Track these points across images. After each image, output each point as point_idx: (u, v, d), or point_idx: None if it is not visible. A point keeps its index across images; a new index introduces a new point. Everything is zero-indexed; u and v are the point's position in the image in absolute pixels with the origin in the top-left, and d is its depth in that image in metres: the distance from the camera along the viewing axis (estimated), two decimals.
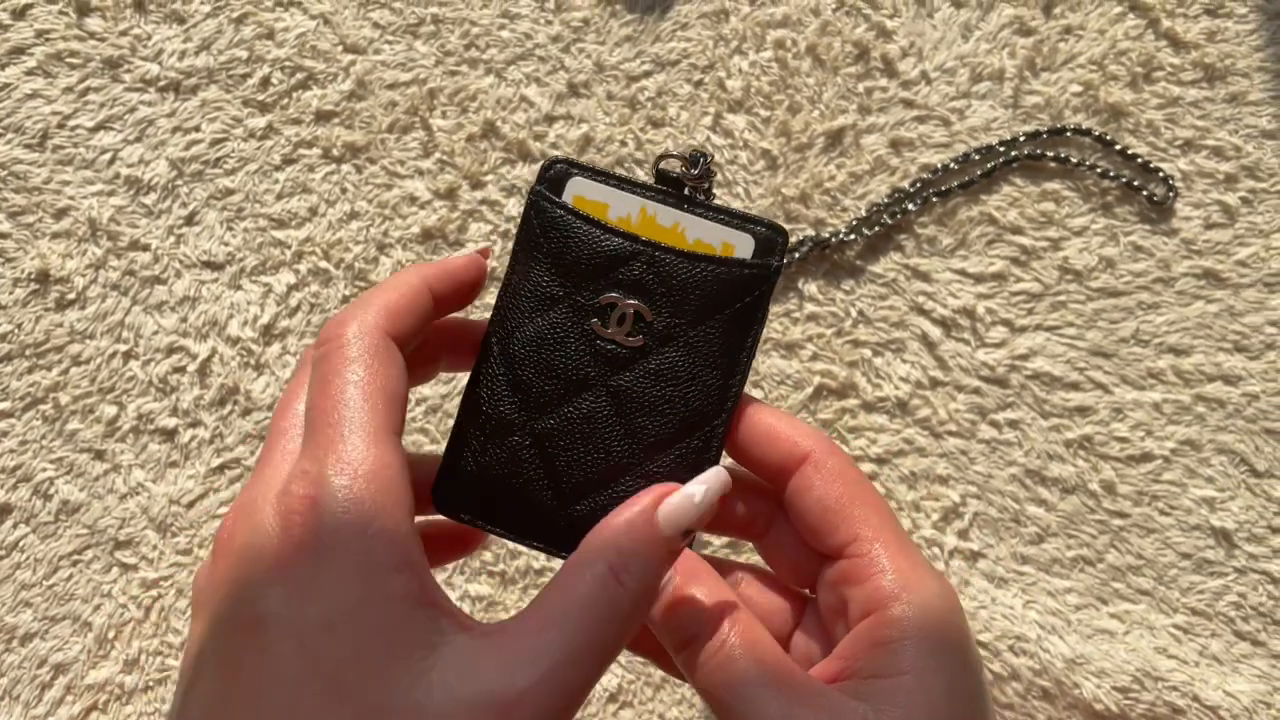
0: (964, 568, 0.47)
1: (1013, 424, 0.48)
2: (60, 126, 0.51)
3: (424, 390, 0.49)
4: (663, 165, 0.33)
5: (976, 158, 0.50)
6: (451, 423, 0.33)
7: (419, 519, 0.32)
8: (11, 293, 0.49)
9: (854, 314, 0.49)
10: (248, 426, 0.48)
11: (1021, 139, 0.50)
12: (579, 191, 0.33)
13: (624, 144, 0.51)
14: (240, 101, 0.51)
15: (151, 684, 0.46)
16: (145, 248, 0.50)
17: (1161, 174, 0.50)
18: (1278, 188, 0.50)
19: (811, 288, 0.49)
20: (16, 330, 0.49)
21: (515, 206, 0.50)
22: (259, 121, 0.51)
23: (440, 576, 0.47)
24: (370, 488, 0.27)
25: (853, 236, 0.49)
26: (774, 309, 0.49)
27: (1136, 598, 0.47)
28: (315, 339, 0.31)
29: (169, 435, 0.48)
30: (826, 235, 0.49)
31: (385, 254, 0.50)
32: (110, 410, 0.48)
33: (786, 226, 0.49)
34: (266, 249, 0.50)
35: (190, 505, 0.48)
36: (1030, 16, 0.51)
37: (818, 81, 0.51)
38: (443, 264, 0.33)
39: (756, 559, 0.36)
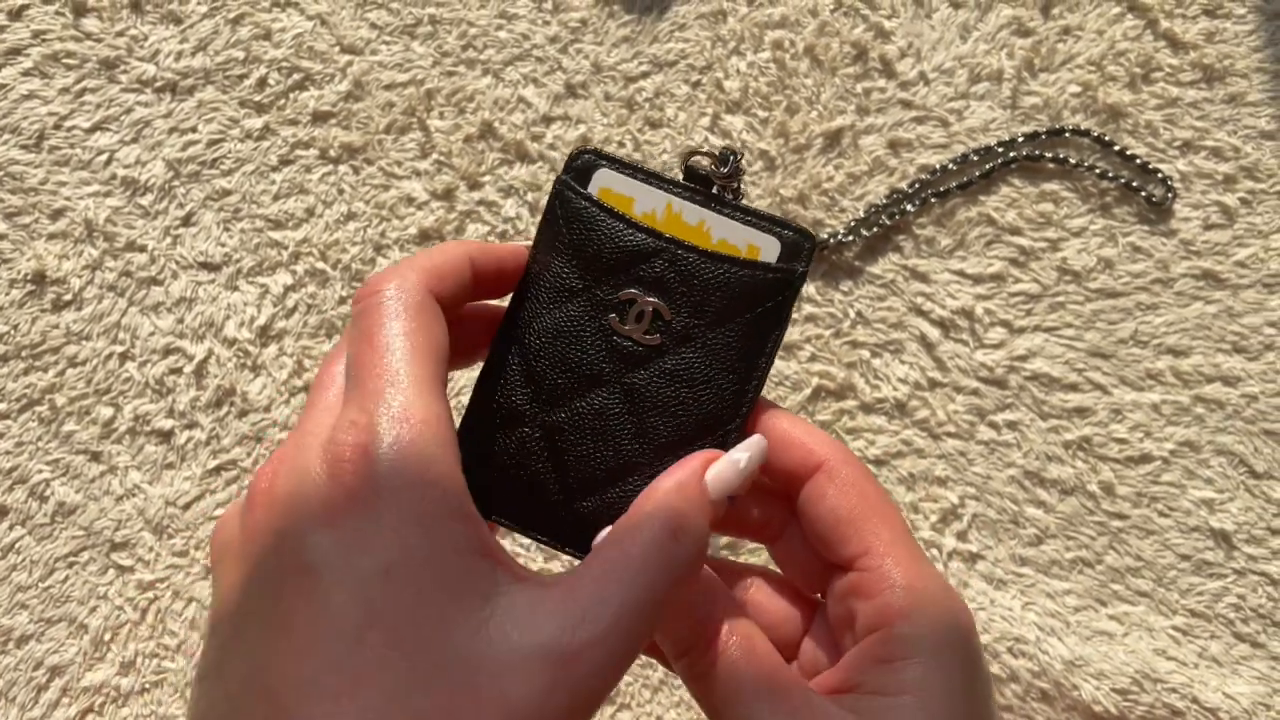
0: (963, 569, 0.47)
1: (1011, 425, 0.48)
2: (57, 127, 0.51)
3: None
4: (692, 162, 0.32)
5: (975, 158, 0.50)
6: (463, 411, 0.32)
7: None
8: (8, 294, 0.49)
9: (852, 315, 0.49)
10: (244, 428, 0.48)
11: (1020, 140, 0.50)
12: (605, 184, 0.32)
13: (622, 145, 0.51)
14: (237, 102, 0.51)
15: (148, 686, 0.46)
16: (142, 249, 0.50)
17: (1160, 175, 0.50)
18: (1276, 188, 0.50)
19: (810, 289, 0.49)
20: (12, 331, 0.49)
21: (513, 207, 0.50)
22: (256, 122, 0.51)
23: None
24: (423, 436, 0.26)
25: (851, 237, 0.49)
26: None
27: (1135, 599, 0.47)
28: (354, 294, 0.30)
29: (165, 437, 0.48)
30: (825, 236, 0.49)
31: (382, 255, 0.50)
32: (106, 412, 0.48)
33: None
34: (263, 250, 0.50)
35: (186, 507, 0.48)
36: (1028, 17, 0.51)
37: (816, 82, 0.51)
38: (486, 244, 0.32)
39: (768, 561, 0.36)
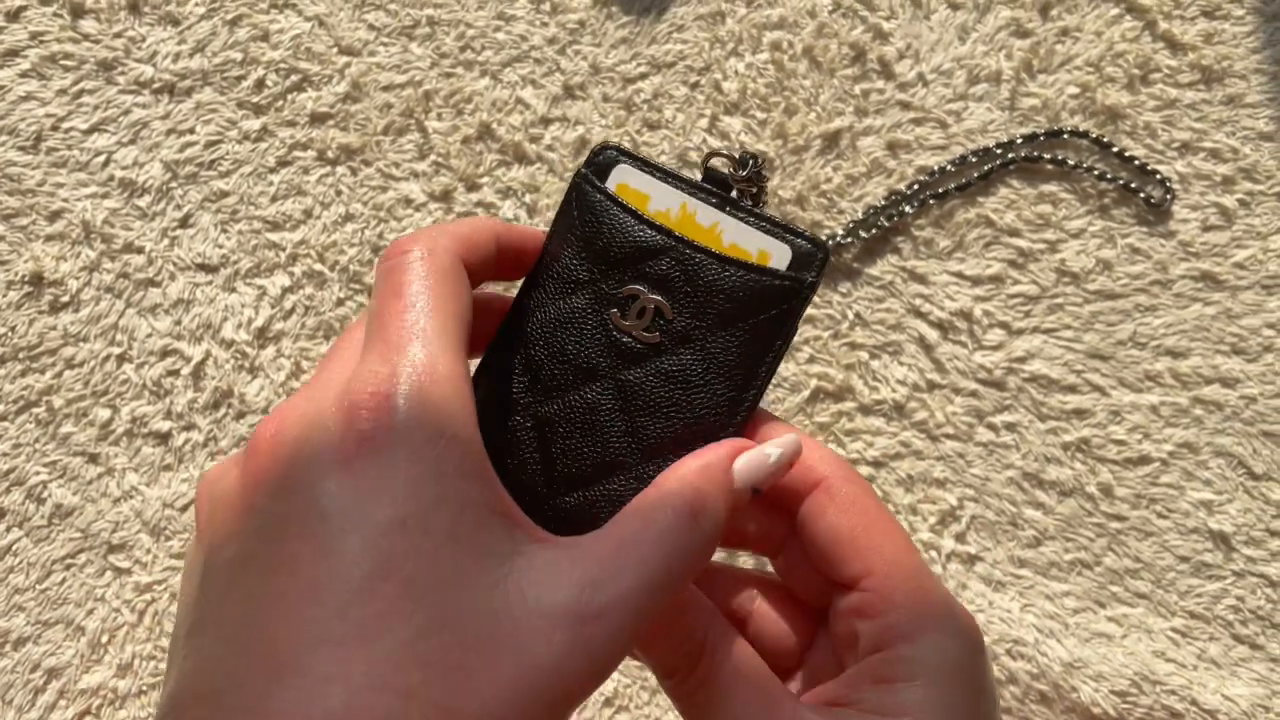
0: (961, 571, 0.47)
1: (1010, 427, 0.48)
2: (54, 129, 0.50)
3: None
4: (712, 163, 0.32)
5: (973, 160, 0.50)
6: None
7: None
8: (5, 295, 0.49)
9: (851, 316, 0.49)
10: (242, 430, 0.48)
11: (1018, 141, 0.50)
12: (624, 179, 0.32)
13: None
14: (235, 104, 0.51)
15: (145, 689, 0.46)
16: (139, 250, 0.50)
17: (1159, 176, 0.50)
18: (1275, 190, 0.50)
19: None
20: (10, 333, 0.49)
21: (511, 209, 0.50)
22: (253, 124, 0.51)
23: None
24: (446, 392, 0.26)
25: (850, 239, 0.49)
26: None
27: (1134, 601, 0.47)
28: (381, 255, 0.30)
29: (163, 439, 0.48)
30: (823, 238, 0.49)
31: (380, 256, 0.50)
32: (104, 413, 0.48)
33: None
34: (261, 251, 0.50)
35: (184, 509, 0.48)
36: (1027, 18, 0.51)
37: (814, 83, 0.51)
38: (511, 224, 0.32)
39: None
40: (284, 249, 0.50)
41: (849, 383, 0.48)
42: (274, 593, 0.24)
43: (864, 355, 0.49)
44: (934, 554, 0.47)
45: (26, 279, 0.49)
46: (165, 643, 0.47)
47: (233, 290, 0.49)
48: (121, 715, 0.46)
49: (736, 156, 0.31)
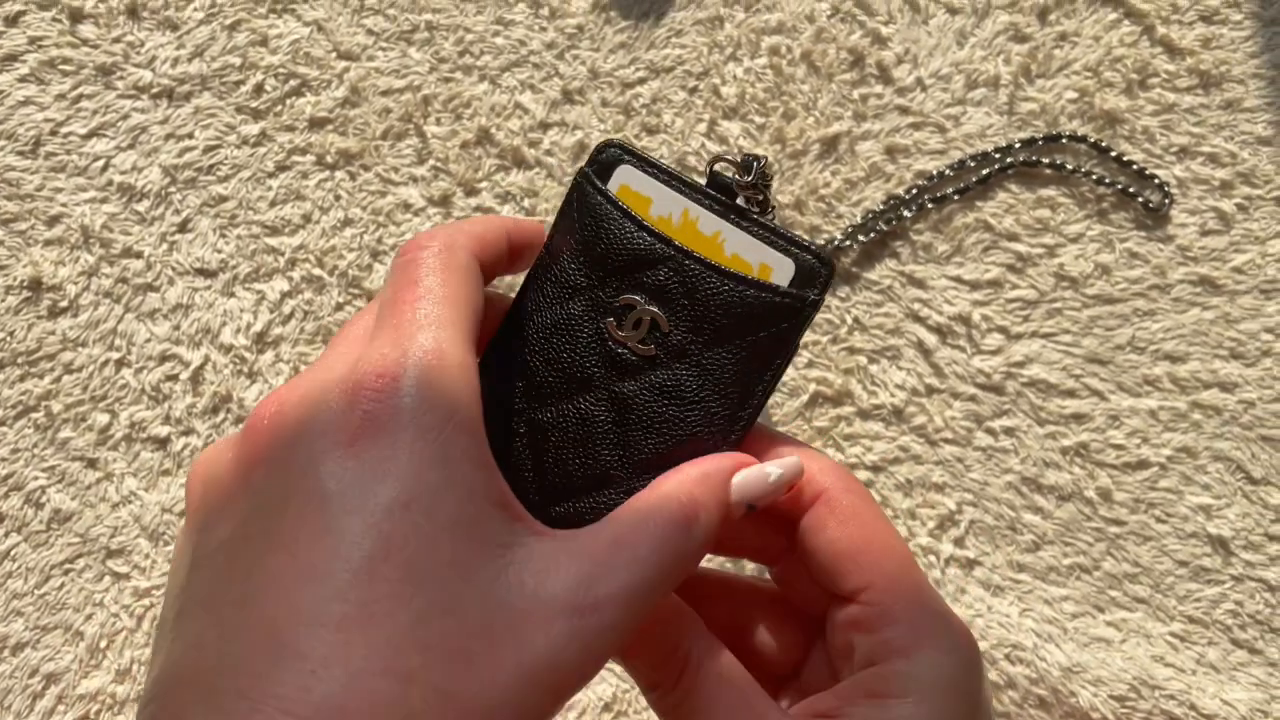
0: (960, 576, 0.47)
1: (1009, 431, 0.48)
2: (53, 133, 0.50)
3: None
4: (717, 168, 0.31)
5: (972, 164, 0.50)
6: None
7: None
8: (3, 300, 0.49)
9: (849, 321, 0.49)
10: None
11: (1017, 146, 0.50)
12: (626, 180, 0.31)
13: None
14: (234, 108, 0.51)
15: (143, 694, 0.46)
16: (138, 255, 0.50)
17: (1157, 180, 0.50)
18: (1273, 194, 0.50)
19: None
20: (8, 338, 0.49)
21: (510, 213, 0.50)
22: (252, 128, 0.51)
23: None
24: (454, 379, 0.26)
25: (848, 243, 0.49)
26: None
27: (1133, 605, 0.47)
28: (399, 249, 0.30)
29: (161, 443, 0.48)
30: (822, 243, 0.49)
31: (379, 261, 0.50)
32: (102, 418, 0.48)
33: None
34: (260, 256, 0.50)
35: (182, 514, 0.48)
36: (1025, 23, 0.51)
37: (813, 88, 0.51)
38: (519, 220, 0.32)
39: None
40: (283, 254, 0.50)
41: (847, 387, 0.48)
42: (271, 573, 0.24)
43: (862, 360, 0.49)
44: (933, 559, 0.47)
45: (25, 284, 0.49)
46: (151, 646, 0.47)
47: (231, 295, 0.49)
48: None
49: (740, 160, 0.30)
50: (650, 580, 0.26)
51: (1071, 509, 0.47)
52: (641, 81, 0.52)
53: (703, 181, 0.31)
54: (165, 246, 0.50)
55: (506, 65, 0.52)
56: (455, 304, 0.28)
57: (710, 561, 0.47)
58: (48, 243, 0.49)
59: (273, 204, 0.50)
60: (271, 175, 0.50)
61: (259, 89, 0.51)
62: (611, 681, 0.46)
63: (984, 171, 0.50)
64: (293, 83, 0.51)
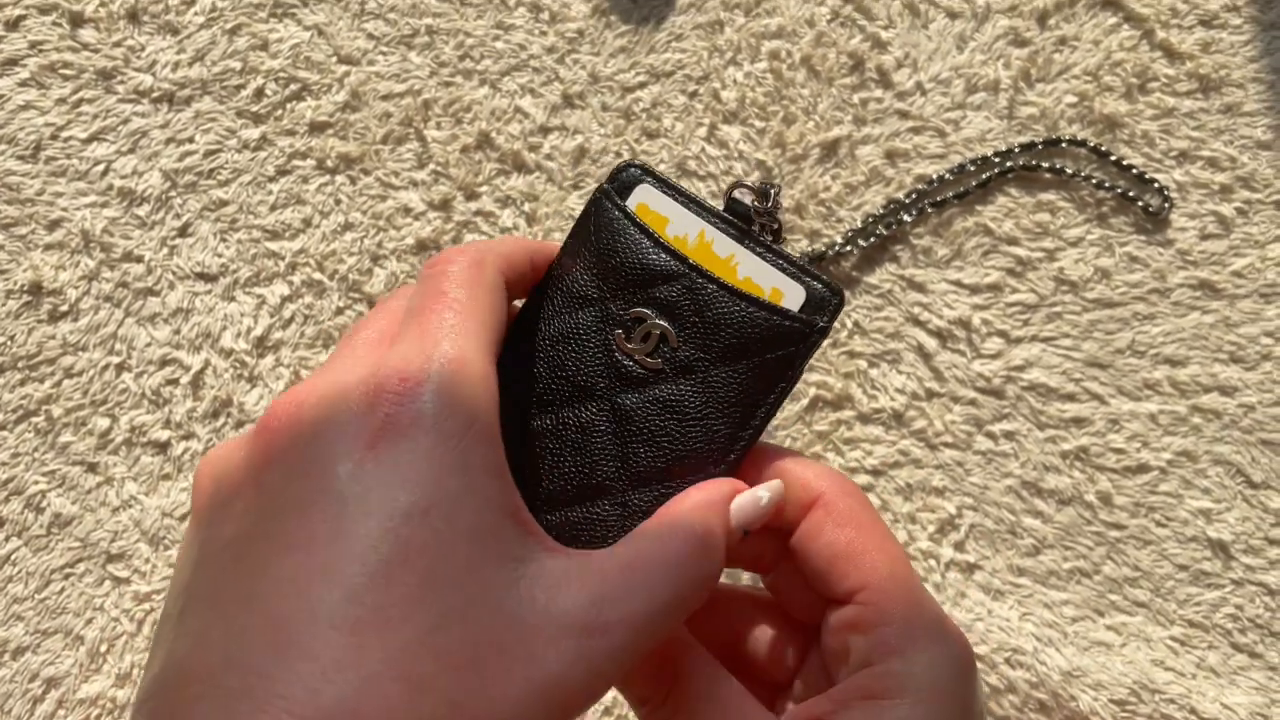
0: (960, 580, 0.47)
1: (1009, 435, 0.48)
2: (53, 138, 0.51)
3: None
4: (735, 194, 0.31)
5: (972, 169, 0.50)
6: None
7: None
8: (4, 305, 0.49)
9: (849, 325, 0.49)
10: None
11: (1016, 150, 0.50)
12: (644, 199, 0.31)
13: (619, 155, 0.51)
14: (234, 113, 0.51)
15: None
16: (138, 259, 0.50)
17: (1157, 185, 0.50)
18: (1273, 198, 0.50)
19: None
20: (9, 342, 0.49)
21: (510, 218, 0.50)
22: (253, 133, 0.51)
23: None
24: (476, 388, 0.26)
25: (849, 248, 0.49)
26: None
27: (1133, 610, 0.47)
28: (423, 266, 0.30)
29: (162, 448, 0.48)
30: (822, 247, 0.49)
31: (379, 265, 0.50)
32: (103, 423, 0.48)
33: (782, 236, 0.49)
34: (260, 260, 0.50)
35: (183, 518, 0.48)
36: (1025, 27, 0.51)
37: (813, 92, 0.51)
38: (540, 243, 0.32)
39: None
40: (283, 258, 0.50)
41: (848, 391, 0.48)
42: (284, 571, 0.24)
43: (863, 364, 0.49)
44: (933, 562, 0.47)
45: (25, 288, 0.49)
46: (151, 643, 0.47)
47: (232, 299, 0.49)
48: None
49: (758, 187, 0.31)
50: (664, 605, 0.26)
51: (1072, 513, 0.47)
52: (642, 86, 0.52)
53: (720, 206, 0.31)
54: (166, 251, 0.50)
55: (507, 69, 0.52)
56: (480, 317, 0.28)
57: None
58: (48, 247, 0.50)
59: (273, 208, 0.50)
60: (272, 179, 0.51)
61: (259, 93, 0.51)
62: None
63: (984, 176, 0.50)
64: (293, 87, 0.51)
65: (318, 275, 0.50)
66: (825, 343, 0.49)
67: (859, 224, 0.50)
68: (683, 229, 0.31)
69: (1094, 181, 0.50)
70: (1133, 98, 0.51)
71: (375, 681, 0.22)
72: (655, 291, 0.31)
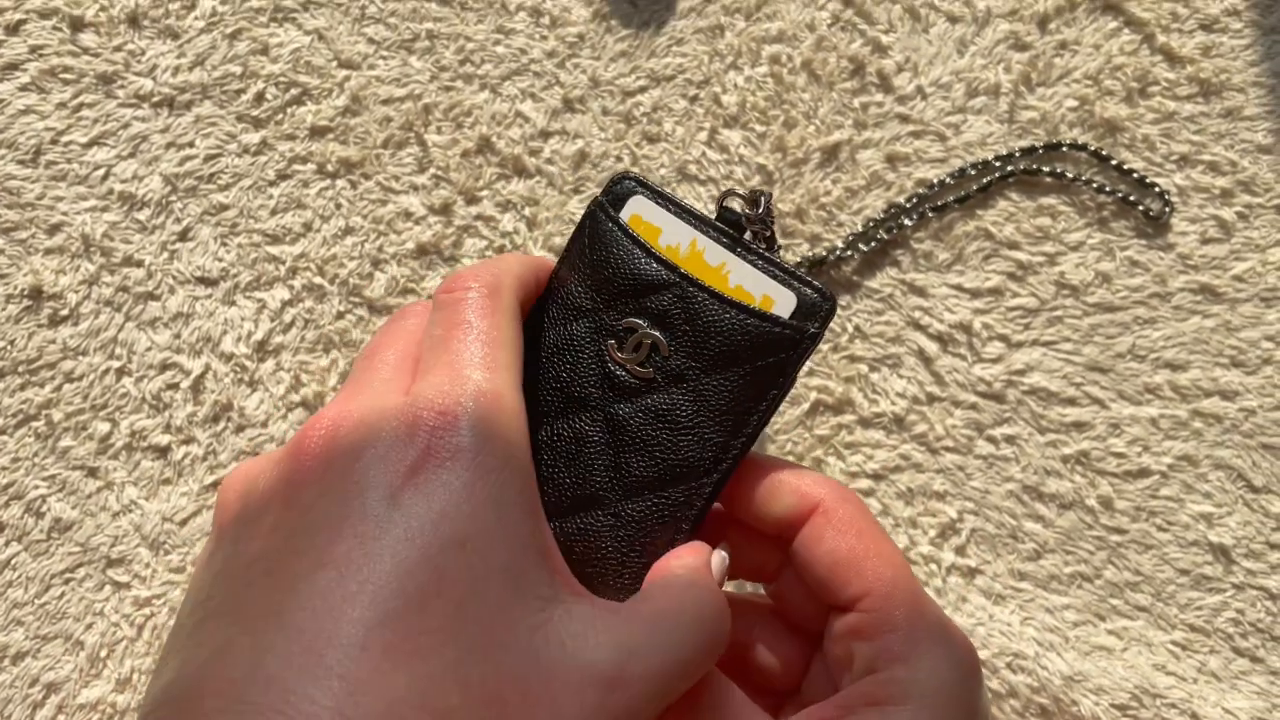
0: (961, 584, 0.47)
1: (1010, 439, 0.48)
2: (54, 142, 0.50)
3: None
4: (727, 203, 0.31)
5: (972, 173, 0.50)
6: None
7: None
8: (4, 309, 0.49)
9: (850, 329, 0.49)
10: (241, 443, 0.48)
11: (1017, 154, 0.50)
12: (638, 210, 0.32)
13: (620, 159, 0.51)
14: (234, 117, 0.51)
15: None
16: (139, 264, 0.50)
17: (1157, 189, 0.50)
18: (1274, 202, 0.50)
19: None
20: (9, 347, 0.48)
21: (510, 222, 0.50)
22: (253, 137, 0.51)
23: None
24: (511, 423, 0.26)
25: (849, 252, 0.49)
26: None
27: (1134, 614, 0.47)
28: (442, 284, 0.30)
29: (162, 452, 0.48)
30: (823, 252, 0.49)
31: (380, 270, 0.50)
32: (103, 427, 0.48)
33: (781, 242, 0.49)
34: (260, 265, 0.50)
35: (183, 523, 0.48)
36: (1025, 31, 0.51)
37: (813, 97, 0.51)
38: (543, 259, 0.33)
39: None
40: (283, 262, 0.50)
41: (848, 395, 0.48)
42: (317, 590, 0.23)
43: (863, 368, 0.49)
44: (934, 567, 0.47)
45: (26, 292, 0.49)
46: (160, 652, 0.47)
47: (232, 304, 0.49)
48: None
49: (748, 195, 0.31)
50: (685, 662, 0.26)
51: (1073, 517, 0.47)
52: (642, 90, 0.52)
53: (713, 215, 0.32)
54: (166, 255, 0.50)
55: (507, 74, 0.52)
56: (506, 346, 0.28)
57: None
58: (48, 251, 0.49)
59: (273, 212, 0.50)
60: (272, 184, 0.50)
61: (260, 98, 0.51)
62: None
63: (984, 180, 0.50)
64: (294, 91, 0.51)
65: (318, 279, 0.50)
66: (825, 347, 0.49)
67: (860, 228, 0.50)
68: (675, 238, 0.31)
69: (1095, 186, 0.50)
70: (1133, 102, 0.51)
71: (400, 708, 0.22)
72: (647, 301, 0.31)
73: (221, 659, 0.24)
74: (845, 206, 0.50)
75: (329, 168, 0.51)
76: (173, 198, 0.50)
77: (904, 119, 0.51)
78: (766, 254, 0.31)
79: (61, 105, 0.51)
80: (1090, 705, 0.44)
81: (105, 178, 0.50)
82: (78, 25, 0.52)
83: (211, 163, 0.51)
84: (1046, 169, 0.50)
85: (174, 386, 0.49)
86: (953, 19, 0.52)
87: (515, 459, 0.26)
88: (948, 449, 0.48)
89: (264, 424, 0.48)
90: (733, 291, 0.31)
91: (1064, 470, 0.48)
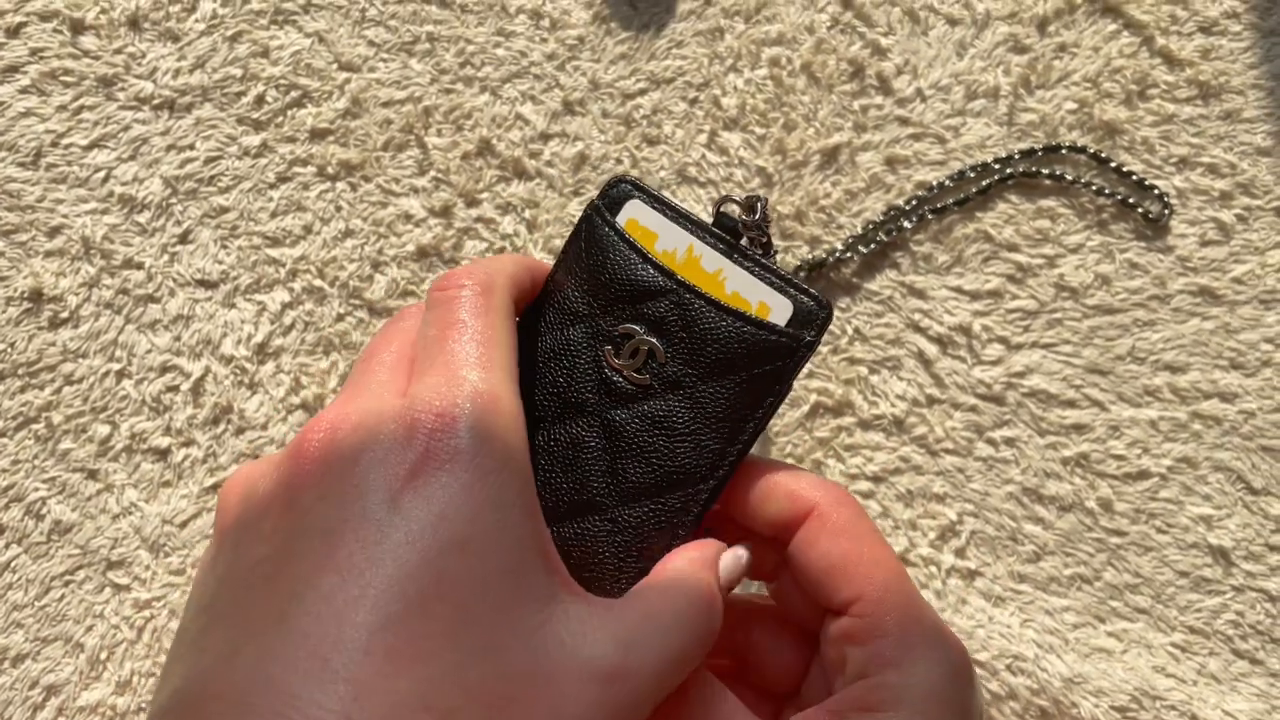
0: (961, 586, 0.47)
1: (1009, 442, 0.48)
2: (54, 145, 0.51)
3: None
4: (723, 209, 0.31)
5: (972, 175, 0.50)
6: None
7: None
8: (4, 311, 0.49)
9: (850, 331, 0.49)
10: (241, 446, 0.48)
11: (1017, 156, 0.50)
12: (634, 215, 0.31)
13: (620, 162, 0.51)
14: (235, 119, 0.51)
15: (144, 706, 0.46)
16: (139, 266, 0.50)
17: (1157, 191, 0.50)
18: (1273, 204, 0.50)
19: None
20: (9, 349, 0.48)
21: (510, 224, 0.50)
22: (253, 139, 0.51)
23: None
24: (509, 424, 0.26)
25: (849, 254, 0.49)
26: None
27: (1134, 616, 0.47)
28: (437, 282, 0.30)
29: (162, 455, 0.48)
30: (823, 254, 0.49)
31: (380, 272, 0.50)
32: (103, 430, 0.48)
33: (781, 244, 0.49)
34: (260, 267, 0.50)
35: (183, 525, 0.48)
36: (1025, 34, 0.52)
37: (813, 99, 0.51)
38: (536, 260, 0.32)
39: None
40: (284, 265, 0.50)
41: (848, 398, 0.48)
42: (320, 593, 0.24)
43: (863, 370, 0.49)
44: (934, 569, 0.47)
45: (26, 295, 0.49)
46: (164, 659, 0.47)
47: (232, 306, 0.49)
48: None
49: (745, 200, 0.31)
50: (678, 656, 0.26)
51: (1072, 519, 0.47)
52: (642, 92, 0.52)
53: (709, 219, 0.32)
54: (166, 258, 0.50)
55: (507, 76, 0.52)
56: (501, 346, 0.28)
57: None
58: (48, 254, 0.50)
59: (274, 215, 0.50)
60: (273, 186, 0.51)
61: (260, 100, 0.51)
62: None
63: (984, 182, 0.50)
64: (294, 94, 0.51)
65: (318, 282, 0.50)
66: (825, 349, 0.49)
67: (859, 230, 0.50)
68: (671, 244, 0.31)
69: (1094, 188, 0.50)
70: (1132, 104, 0.51)
71: (404, 710, 0.22)
72: (643, 307, 0.31)
73: (226, 664, 0.24)
74: (845, 209, 0.50)
75: (329, 170, 0.51)
76: (173, 200, 0.50)
77: (903, 121, 0.51)
78: (763, 260, 0.31)
79: (62, 108, 0.51)
80: (1090, 707, 0.44)
81: (105, 180, 0.50)
82: (78, 28, 0.52)
83: (212, 165, 0.51)
84: (1046, 171, 0.50)
85: (174, 389, 0.49)
86: (952, 21, 0.52)
87: (514, 460, 0.26)
88: (947, 451, 0.48)
89: (264, 426, 0.48)
90: (729, 298, 0.31)
91: (1064, 472, 0.48)
